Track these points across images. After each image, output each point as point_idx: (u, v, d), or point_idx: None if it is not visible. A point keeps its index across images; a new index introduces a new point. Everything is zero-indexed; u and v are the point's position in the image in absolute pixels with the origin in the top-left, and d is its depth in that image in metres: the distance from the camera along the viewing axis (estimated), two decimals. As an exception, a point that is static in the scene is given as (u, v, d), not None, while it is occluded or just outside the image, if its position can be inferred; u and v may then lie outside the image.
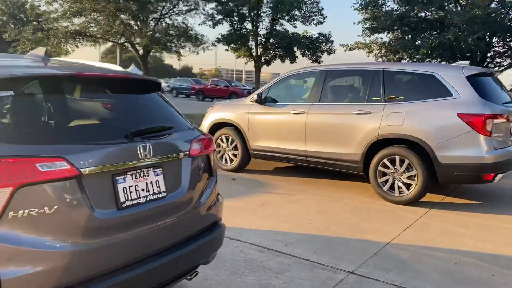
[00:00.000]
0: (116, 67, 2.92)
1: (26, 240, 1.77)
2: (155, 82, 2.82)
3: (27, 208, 1.77)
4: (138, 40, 16.90)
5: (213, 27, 19.90)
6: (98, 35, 17.04)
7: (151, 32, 17.02)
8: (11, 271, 1.72)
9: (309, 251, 4.10)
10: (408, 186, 5.76)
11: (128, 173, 2.20)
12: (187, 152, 2.57)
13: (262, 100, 7.18)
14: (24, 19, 35.51)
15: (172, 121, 2.67)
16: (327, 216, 5.25)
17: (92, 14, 15.78)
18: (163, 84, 45.74)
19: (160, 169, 2.39)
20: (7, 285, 1.71)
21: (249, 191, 6.30)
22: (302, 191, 6.40)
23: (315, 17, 21.88)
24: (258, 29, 20.90)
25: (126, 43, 18.26)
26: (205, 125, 7.96)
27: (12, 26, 31.83)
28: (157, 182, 2.36)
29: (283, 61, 21.47)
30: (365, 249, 4.21)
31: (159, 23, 18.04)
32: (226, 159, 7.65)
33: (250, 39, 20.92)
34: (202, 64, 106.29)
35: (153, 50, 17.88)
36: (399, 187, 5.82)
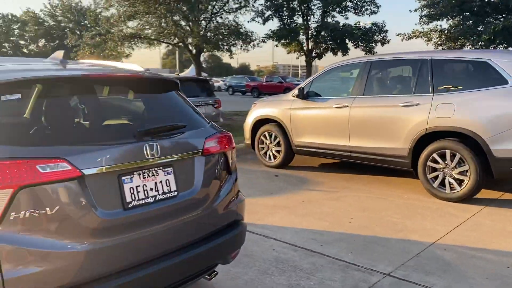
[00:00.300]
0: (137, 67, 2.93)
1: (28, 241, 1.80)
2: (172, 81, 2.80)
3: (28, 209, 1.80)
4: (190, 40, 17.22)
5: (263, 24, 19.86)
6: (152, 37, 17.56)
7: (202, 32, 17.27)
8: (13, 271, 1.76)
9: (345, 251, 3.93)
10: (460, 182, 5.36)
11: (135, 173, 2.19)
12: (199, 151, 2.52)
13: (304, 95, 7.01)
14: (88, 25, 37.44)
15: (187, 120, 2.64)
16: (369, 214, 5.02)
17: (145, 16, 16.29)
18: (220, 83, 46.51)
19: (171, 168, 2.36)
20: (9, 284, 1.74)
21: (290, 188, 6.18)
22: (346, 188, 6.18)
23: (368, 7, 21.13)
24: (309, 23, 20.57)
25: (179, 44, 18.67)
26: (248, 122, 7.93)
27: (78, 32, 33.63)
28: (167, 181, 2.33)
29: (335, 54, 20.98)
30: (406, 250, 3.96)
31: (210, 22, 18.26)
32: (269, 156, 7.58)
33: (301, 33, 20.64)
34: (260, 61, 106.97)
35: (204, 50, 18.11)
36: (450, 183, 5.44)
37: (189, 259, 2.35)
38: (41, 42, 43.41)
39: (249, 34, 18.64)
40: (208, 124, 2.79)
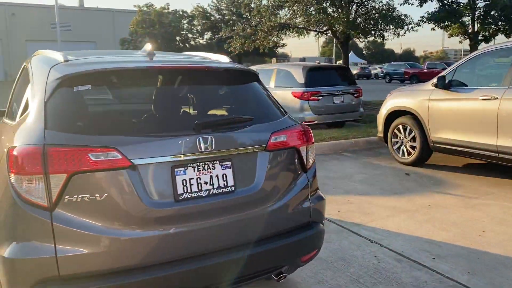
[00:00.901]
0: (224, 59, 2.87)
1: (79, 223, 1.92)
2: (249, 72, 2.69)
3: (80, 194, 1.92)
4: (337, 27, 16.80)
5: (420, 5, 18.16)
6: (300, 26, 17.63)
7: (351, 18, 16.68)
8: (65, 250, 1.90)
9: (460, 270, 3.34)
10: None
11: (189, 165, 2.16)
12: (263, 146, 2.37)
13: (446, 85, 6.18)
14: (249, 17, 39.31)
15: (259, 112, 2.51)
16: (509, 229, 4.19)
17: (294, 5, 16.42)
18: (377, 70, 44.63)
19: (229, 162, 2.27)
20: (61, 262, 1.88)
21: (419, 189, 5.55)
22: (488, 194, 5.28)
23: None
24: (476, 2, 18.11)
25: (327, 31, 18.39)
26: (382, 113, 7.38)
27: (240, 24, 35.59)
28: (224, 176, 2.24)
29: (508, 35, 18.09)
30: (546, 280, 3.18)
31: (361, 6, 17.50)
32: (403, 151, 6.94)
33: (465, 14, 18.31)
34: (427, 46, 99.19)
35: (352, 36, 17.48)
36: None
37: (245, 258, 2.25)
38: (207, 35, 47.61)
39: (402, 17, 17.31)
40: (283, 117, 2.62)
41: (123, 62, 2.45)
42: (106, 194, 1.95)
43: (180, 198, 2.10)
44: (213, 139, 2.19)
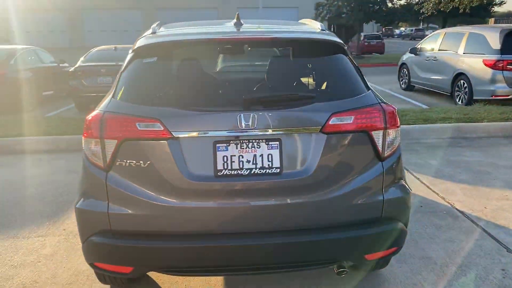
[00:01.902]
0: (315, 26, 2.49)
1: (127, 186, 2.10)
2: (330, 43, 2.40)
3: (129, 159, 2.09)
4: None
5: None
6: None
7: None
8: (116, 208, 2.12)
9: None
10: None
11: (231, 142, 2.10)
12: (318, 127, 2.11)
13: None
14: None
15: (331, 88, 2.25)
16: None
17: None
18: None
19: (277, 143, 2.11)
20: (111, 218, 2.12)
21: None
22: None
23: None
24: None
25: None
26: None
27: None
28: (269, 156, 2.11)
29: None
30: None
31: None
32: None
33: None
34: None
35: None
36: None
37: (288, 245, 2.11)
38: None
39: None
40: (362, 94, 2.27)
41: (197, 34, 2.50)
42: (149, 162, 2.08)
43: (219, 174, 2.09)
44: (256, 117, 2.08)
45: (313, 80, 2.40)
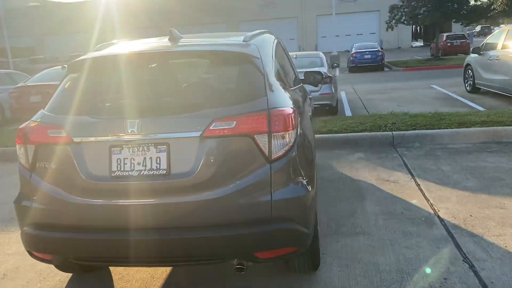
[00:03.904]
0: (239, 37, 2.55)
1: (44, 184, 2.46)
2: (232, 54, 2.54)
3: (43, 161, 2.46)
4: None
5: None
6: None
7: None
8: (37, 203, 2.48)
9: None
10: None
11: (125, 146, 2.35)
12: (200, 132, 2.28)
13: None
14: None
15: (222, 96, 2.41)
16: None
17: None
18: None
19: (165, 146, 2.32)
20: (34, 211, 2.49)
21: None
22: None
23: None
24: None
25: None
26: None
27: None
28: (158, 158, 2.32)
29: None
30: None
31: None
32: None
33: None
34: None
35: None
36: None
37: (173, 241, 2.30)
38: None
39: None
40: (254, 101, 2.39)
41: (120, 50, 2.82)
42: (57, 164, 2.43)
43: (113, 175, 2.36)
44: (140, 124, 2.31)
45: (206, 88, 2.55)
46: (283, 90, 2.82)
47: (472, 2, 22.26)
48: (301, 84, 4.58)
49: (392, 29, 24.83)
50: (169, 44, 2.83)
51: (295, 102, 2.88)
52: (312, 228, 2.57)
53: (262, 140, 2.33)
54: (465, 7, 21.02)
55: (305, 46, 40.51)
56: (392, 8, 23.87)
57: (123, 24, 38.47)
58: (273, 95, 2.54)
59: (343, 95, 12.67)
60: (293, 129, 2.45)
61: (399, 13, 23.12)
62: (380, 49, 21.42)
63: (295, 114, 2.55)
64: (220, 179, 2.31)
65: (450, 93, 11.38)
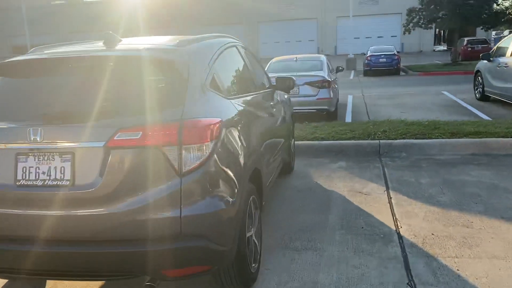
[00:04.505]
0: (168, 41, 2.43)
1: None
2: (144, 60, 2.43)
3: None
4: None
5: None
6: None
7: None
8: None
9: None
10: None
11: (30, 154, 2.27)
12: (105, 142, 2.18)
13: None
14: None
15: (129, 104, 2.30)
16: None
17: None
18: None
19: (69, 156, 2.22)
20: None
21: None
22: None
23: None
24: None
25: None
26: None
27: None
28: (62, 168, 2.23)
29: None
30: None
31: None
32: None
33: None
34: None
35: None
36: None
37: (77, 255, 2.21)
38: None
39: None
40: (168, 110, 2.28)
41: (43, 53, 2.73)
42: None
43: (18, 183, 2.28)
44: (43, 132, 2.23)
45: (118, 95, 2.41)
46: (217, 99, 2.70)
47: (494, 6, 21.53)
48: (270, 90, 4.45)
49: (409, 33, 24.26)
50: (95, 48, 2.74)
51: (228, 112, 2.75)
52: (230, 245, 2.44)
53: (171, 152, 2.21)
54: (486, 11, 20.35)
55: (324, 47, 40.06)
56: (410, 11, 23.32)
57: (147, 23, 38.79)
58: (196, 104, 2.43)
59: (349, 99, 12.43)
60: (211, 140, 2.33)
61: (417, 16, 22.58)
62: (396, 53, 20.95)
63: (219, 125, 2.43)
64: (125, 192, 2.20)
65: (458, 100, 11.02)
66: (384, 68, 20.42)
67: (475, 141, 5.88)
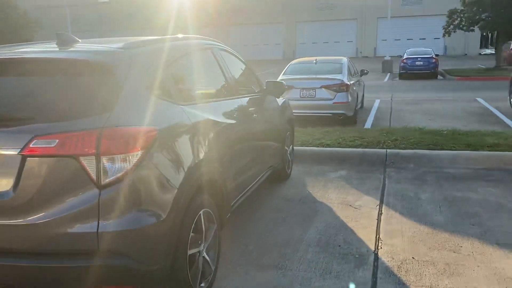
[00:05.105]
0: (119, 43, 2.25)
1: None
2: (76, 63, 2.29)
3: None
4: None
5: None
6: None
7: None
8: None
9: None
10: None
11: None
12: (18, 150, 2.05)
13: None
14: None
15: (53, 109, 2.17)
16: None
17: None
18: None
19: None
20: None
21: None
22: None
23: None
24: None
25: None
26: None
27: None
28: None
29: None
30: None
31: None
32: None
33: None
34: None
35: None
36: None
37: None
38: None
39: None
40: (90, 118, 2.12)
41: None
42: None
43: None
44: None
45: (40, 100, 2.27)
46: (163, 106, 2.53)
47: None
48: (259, 95, 4.25)
49: (449, 35, 23.18)
50: (37, 50, 2.65)
51: (175, 120, 2.59)
52: (161, 264, 2.28)
53: (89, 163, 2.07)
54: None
55: (363, 49, 39.17)
56: (451, 13, 22.26)
57: (189, 22, 39.16)
58: (129, 111, 2.27)
59: (376, 103, 11.99)
60: (140, 150, 2.17)
61: (458, 18, 21.54)
62: (434, 56, 20.09)
63: (152, 134, 2.27)
64: (41, 203, 2.08)
65: (491, 108, 10.37)
66: (420, 71, 19.64)
67: (490, 154, 5.43)
